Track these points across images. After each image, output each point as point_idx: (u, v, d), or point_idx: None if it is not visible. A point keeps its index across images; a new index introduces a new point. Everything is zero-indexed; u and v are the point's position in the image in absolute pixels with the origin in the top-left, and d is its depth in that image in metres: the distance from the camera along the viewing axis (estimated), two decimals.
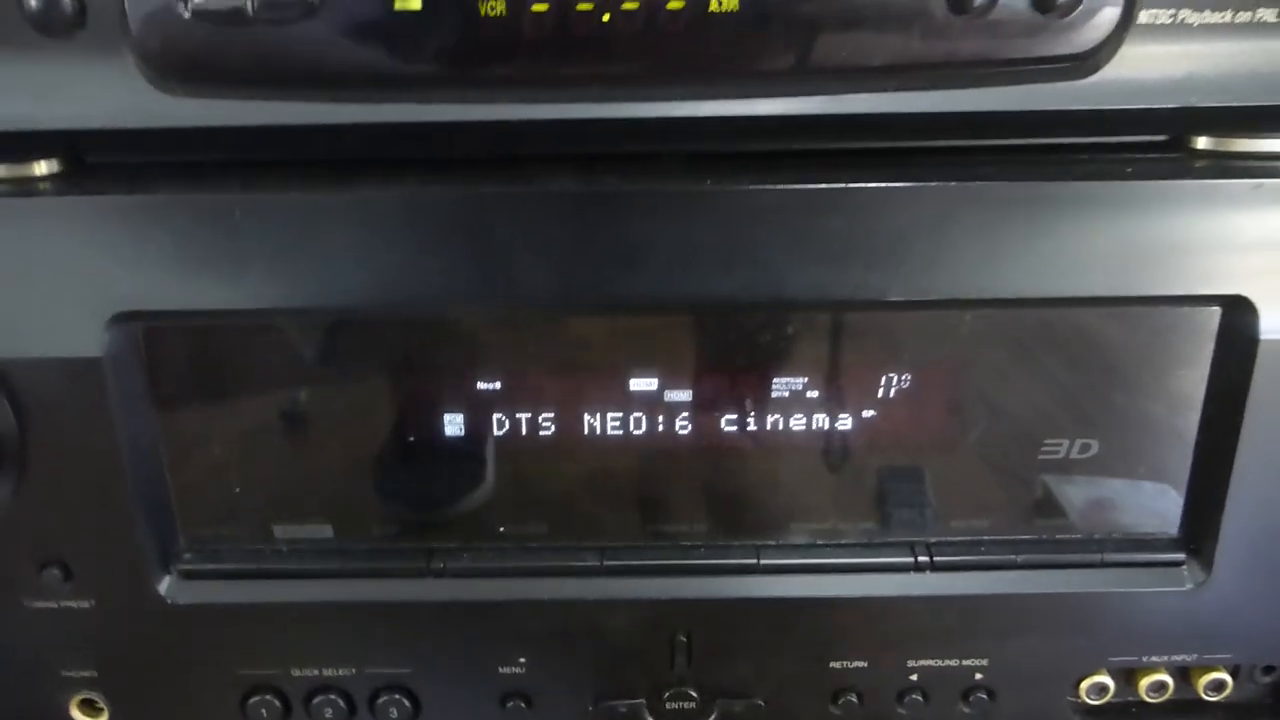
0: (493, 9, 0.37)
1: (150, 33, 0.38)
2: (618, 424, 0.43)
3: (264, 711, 0.47)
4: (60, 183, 0.43)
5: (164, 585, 0.45)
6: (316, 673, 0.47)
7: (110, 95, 0.39)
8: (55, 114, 0.40)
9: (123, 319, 0.40)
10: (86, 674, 0.47)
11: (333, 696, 0.47)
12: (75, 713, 0.48)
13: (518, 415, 0.43)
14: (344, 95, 0.39)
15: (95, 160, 0.45)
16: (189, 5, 0.37)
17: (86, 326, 0.40)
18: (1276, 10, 0.38)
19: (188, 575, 0.45)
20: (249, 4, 0.37)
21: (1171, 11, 0.38)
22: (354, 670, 0.47)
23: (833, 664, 0.47)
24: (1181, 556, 0.45)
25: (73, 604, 0.45)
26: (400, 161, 0.44)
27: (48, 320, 0.40)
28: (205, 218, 0.40)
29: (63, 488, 0.43)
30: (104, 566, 0.44)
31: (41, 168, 0.43)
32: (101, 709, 0.48)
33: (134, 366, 0.42)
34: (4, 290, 0.40)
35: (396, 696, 0.47)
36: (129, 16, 0.38)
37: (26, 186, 0.42)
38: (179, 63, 0.39)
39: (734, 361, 0.43)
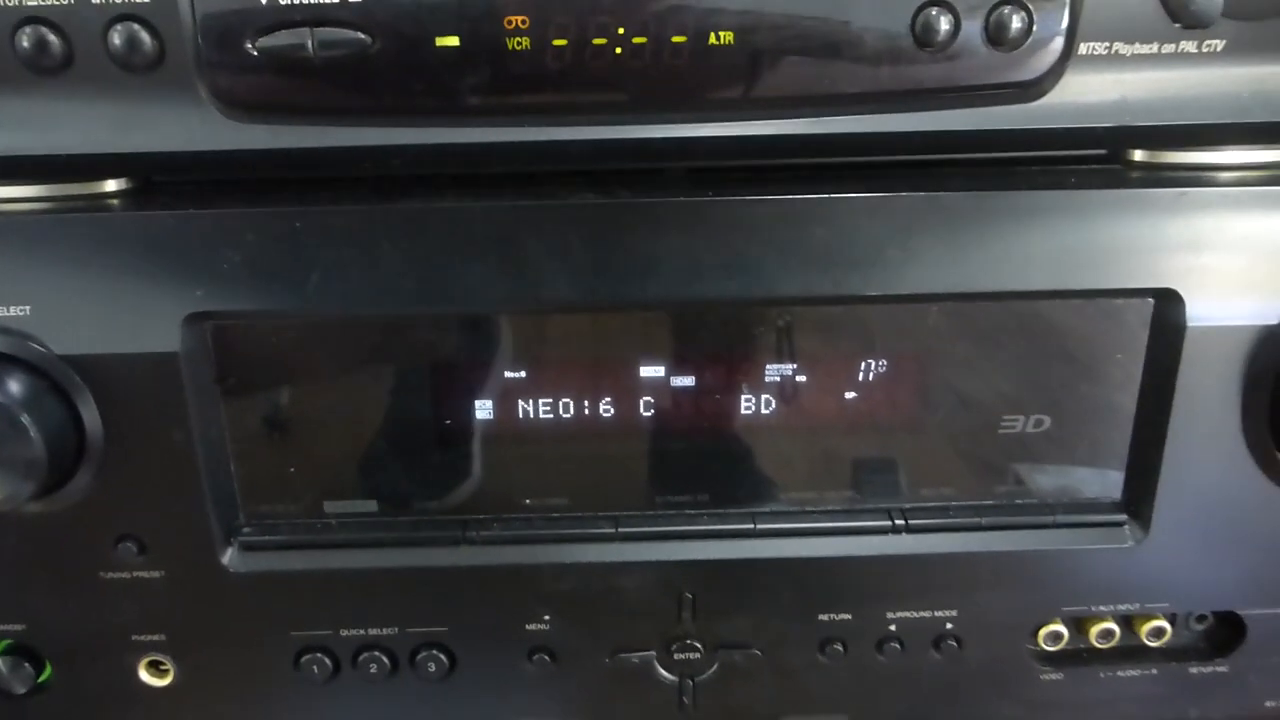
0: (519, 44, 0.42)
1: (222, 69, 0.42)
2: (629, 407, 0.48)
3: (315, 669, 0.51)
4: (131, 199, 0.47)
5: (227, 556, 0.49)
6: (363, 633, 0.51)
7: (185, 123, 0.43)
8: (135, 141, 0.43)
9: (195, 319, 0.45)
10: (155, 638, 0.51)
11: (378, 654, 0.51)
12: (143, 673, 0.52)
13: (541, 402, 0.48)
14: (391, 121, 0.44)
15: (159, 178, 0.49)
16: (256, 45, 0.41)
17: (164, 325, 0.44)
18: (1196, 43, 0.43)
19: (248, 547, 0.49)
20: (309, 44, 0.41)
21: (1107, 44, 0.43)
22: (396, 630, 0.51)
23: (820, 616, 0.51)
24: (1123, 518, 0.50)
25: (144, 574, 0.49)
26: (441, 178, 0.48)
27: (130, 320, 0.44)
28: (269, 229, 0.44)
29: (138, 470, 0.46)
30: (173, 540, 0.48)
31: (111, 185, 0.48)
32: (168, 669, 0.52)
33: (203, 360, 0.46)
34: (91, 294, 0.44)
35: (435, 652, 0.51)
36: (203, 55, 0.42)
37: (97, 202, 0.46)
38: (247, 95, 0.43)
39: (732, 352, 0.48)
